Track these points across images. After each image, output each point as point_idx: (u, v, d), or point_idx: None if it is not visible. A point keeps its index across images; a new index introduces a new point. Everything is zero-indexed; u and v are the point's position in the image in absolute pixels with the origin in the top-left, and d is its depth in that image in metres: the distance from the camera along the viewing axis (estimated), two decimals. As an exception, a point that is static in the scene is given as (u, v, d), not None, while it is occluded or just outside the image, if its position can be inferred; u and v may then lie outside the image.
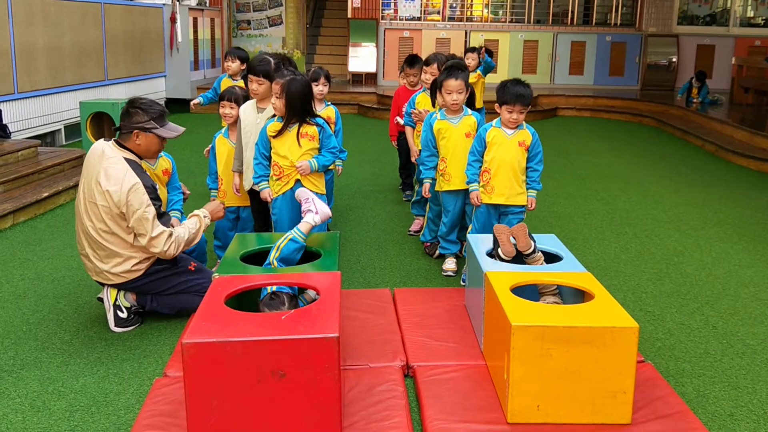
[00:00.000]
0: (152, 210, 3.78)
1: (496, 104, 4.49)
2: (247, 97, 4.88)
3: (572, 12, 15.37)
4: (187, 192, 4.68)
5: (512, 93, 4.38)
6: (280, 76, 4.32)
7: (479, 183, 4.56)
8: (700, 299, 4.57)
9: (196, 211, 4.13)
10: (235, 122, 4.83)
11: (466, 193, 4.77)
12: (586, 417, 2.99)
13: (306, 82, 4.38)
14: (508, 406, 3.01)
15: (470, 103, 5.15)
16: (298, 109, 4.33)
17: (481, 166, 4.57)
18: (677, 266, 5.18)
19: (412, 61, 6.33)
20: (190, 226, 3.98)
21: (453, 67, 4.82)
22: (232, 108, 4.82)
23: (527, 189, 4.57)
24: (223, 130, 4.94)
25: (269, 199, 4.48)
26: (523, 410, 3.00)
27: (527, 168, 4.55)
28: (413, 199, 5.92)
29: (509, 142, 4.48)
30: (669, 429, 2.98)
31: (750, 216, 6.56)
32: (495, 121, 4.55)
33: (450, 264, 4.93)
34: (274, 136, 4.37)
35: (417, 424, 3.10)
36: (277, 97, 4.32)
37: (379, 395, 3.20)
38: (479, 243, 4.05)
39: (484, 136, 4.52)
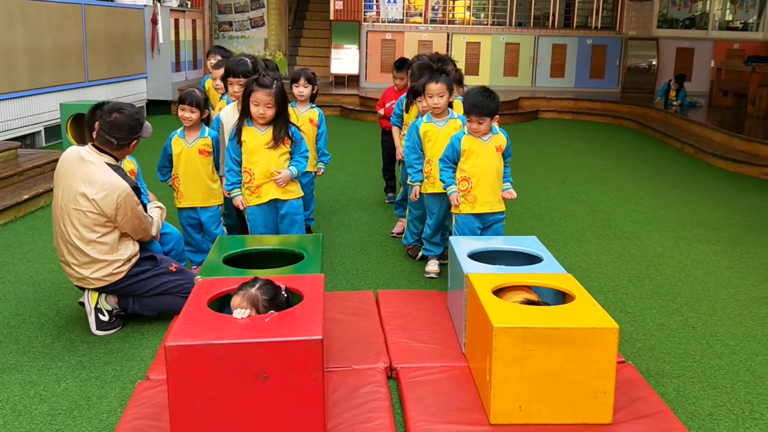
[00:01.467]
0: (141, 207, 3.88)
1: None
2: (206, 102, 4.81)
3: (553, 15, 15.46)
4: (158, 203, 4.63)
5: (468, 103, 4.40)
6: (264, 84, 4.27)
7: (456, 186, 4.53)
8: (680, 300, 4.62)
9: (158, 204, 4.34)
10: (193, 125, 4.74)
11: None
12: (568, 417, 3.02)
13: (283, 85, 4.38)
14: (490, 407, 3.03)
15: None
16: (287, 116, 4.35)
17: (454, 172, 4.55)
18: (657, 267, 5.24)
19: (400, 66, 6.40)
20: (157, 215, 4.19)
21: (435, 70, 4.84)
22: (192, 112, 4.70)
23: (503, 183, 4.60)
24: (179, 131, 4.84)
25: (242, 207, 4.48)
26: (506, 411, 3.02)
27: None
28: (396, 200, 5.94)
29: (487, 149, 4.48)
30: (649, 429, 3.01)
31: (728, 217, 6.64)
32: (466, 128, 4.53)
33: (433, 266, 4.94)
34: (271, 147, 4.35)
35: (400, 426, 3.11)
36: (268, 107, 4.29)
37: (362, 397, 3.21)
38: (461, 244, 4.07)
39: (458, 146, 4.49)
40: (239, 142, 4.39)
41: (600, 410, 3.02)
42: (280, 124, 4.36)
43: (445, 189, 4.59)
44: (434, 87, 4.68)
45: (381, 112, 6.47)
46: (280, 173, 4.38)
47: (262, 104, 4.28)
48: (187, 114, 4.68)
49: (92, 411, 3.22)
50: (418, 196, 4.89)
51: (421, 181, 4.86)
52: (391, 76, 6.52)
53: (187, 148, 4.74)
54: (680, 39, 15.29)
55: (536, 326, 2.96)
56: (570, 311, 3.14)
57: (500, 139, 4.52)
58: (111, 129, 3.84)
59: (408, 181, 5.04)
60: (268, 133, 4.37)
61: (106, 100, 4.17)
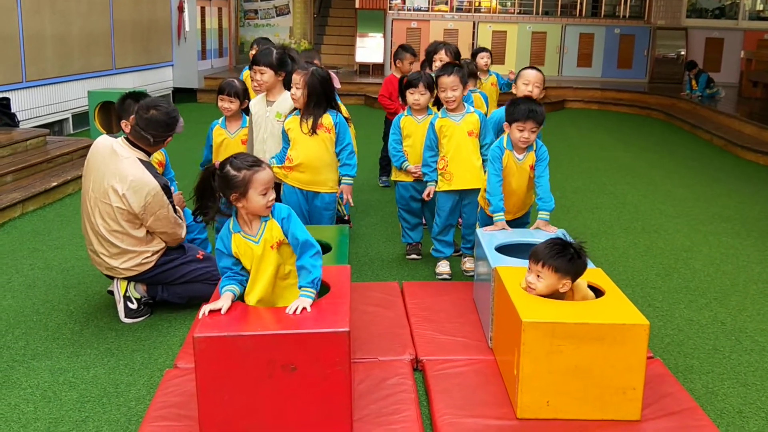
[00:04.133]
0: (171, 207, 3.88)
1: (506, 124, 4.21)
2: (245, 92, 4.85)
3: (581, 3, 15.31)
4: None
5: (524, 109, 4.08)
6: (300, 67, 4.31)
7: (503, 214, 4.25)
8: (709, 295, 4.57)
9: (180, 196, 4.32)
10: (234, 115, 4.80)
11: (463, 193, 4.65)
12: (596, 413, 2.99)
13: (326, 73, 4.38)
14: (517, 402, 3.01)
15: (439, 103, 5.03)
16: (317, 101, 4.34)
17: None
18: (686, 261, 5.18)
19: (408, 47, 6.48)
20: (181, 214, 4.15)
21: (447, 63, 4.78)
22: (231, 102, 4.78)
23: (538, 210, 4.23)
24: (220, 120, 4.90)
25: None
26: (533, 406, 3.00)
27: (535, 177, 4.29)
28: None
29: (520, 169, 4.23)
30: (678, 426, 2.98)
31: (758, 211, 6.55)
32: (506, 141, 4.23)
33: (444, 267, 4.77)
34: (309, 134, 4.36)
35: (426, 418, 3.11)
36: (297, 88, 4.30)
37: (388, 389, 3.21)
38: (488, 237, 4.04)
39: (501, 157, 4.20)
40: (286, 129, 4.43)
41: (628, 406, 2.99)
42: (310, 111, 4.34)
43: (493, 213, 4.21)
44: (446, 80, 4.53)
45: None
46: (342, 196, 4.52)
47: (294, 85, 4.31)
48: (227, 104, 4.77)
49: (121, 398, 3.25)
50: (431, 196, 4.71)
51: (436, 181, 4.69)
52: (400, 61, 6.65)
53: (230, 138, 4.80)
54: (710, 29, 15.08)
55: (565, 321, 2.93)
56: (600, 306, 3.10)
57: (533, 157, 4.22)
58: (148, 126, 3.83)
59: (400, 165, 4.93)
60: (309, 121, 4.37)
61: (137, 90, 4.19)
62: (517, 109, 4.11)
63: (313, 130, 4.34)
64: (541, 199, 4.25)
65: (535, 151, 4.24)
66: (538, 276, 3.19)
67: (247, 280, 3.06)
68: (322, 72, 4.34)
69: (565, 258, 3.15)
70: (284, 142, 4.48)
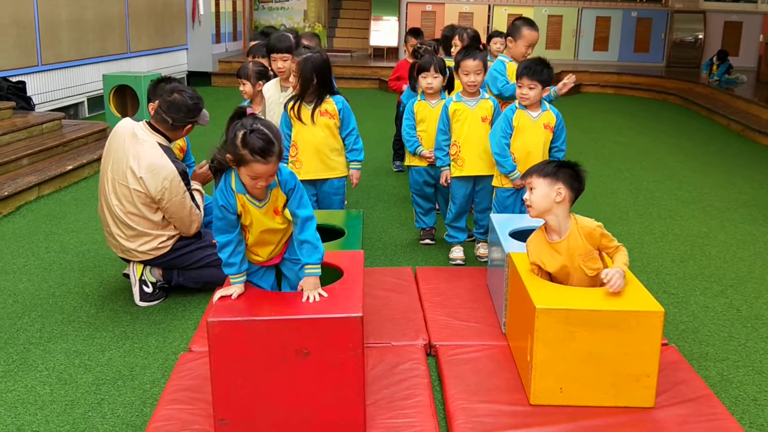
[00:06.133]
0: (188, 195, 3.87)
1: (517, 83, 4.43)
2: (260, 73, 4.84)
3: (597, -14, 15.15)
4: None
5: (521, 67, 4.35)
6: (297, 54, 4.26)
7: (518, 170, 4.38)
8: (725, 282, 4.53)
9: (198, 186, 4.19)
10: (253, 98, 4.82)
11: (476, 179, 4.65)
12: (609, 400, 2.99)
13: (323, 58, 4.27)
14: (531, 388, 3.01)
15: (449, 86, 5.00)
16: (311, 87, 4.26)
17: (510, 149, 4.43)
18: (701, 248, 5.14)
19: (417, 32, 6.48)
20: (199, 203, 4.08)
21: (471, 46, 4.75)
22: (244, 84, 4.82)
23: None
24: (245, 104, 4.93)
25: None
26: (546, 392, 3.00)
27: (551, 149, 4.45)
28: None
29: (534, 126, 4.36)
30: (692, 413, 2.97)
31: (776, 197, 6.49)
32: (518, 101, 4.42)
33: (458, 252, 4.78)
34: (294, 116, 4.34)
35: (439, 403, 3.11)
36: (294, 76, 4.26)
37: (401, 374, 3.22)
38: (502, 223, 4.03)
39: (511, 118, 4.37)
40: (290, 116, 4.39)
41: (642, 393, 2.98)
42: (308, 99, 4.29)
43: (507, 174, 4.39)
44: (471, 64, 4.50)
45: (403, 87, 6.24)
46: (355, 179, 4.55)
47: (291, 72, 4.30)
48: (241, 87, 4.82)
49: (136, 381, 3.27)
50: (449, 181, 4.69)
51: (449, 165, 4.66)
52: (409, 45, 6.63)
53: None
54: (728, 12, 14.88)
55: (579, 308, 2.92)
56: (614, 293, 3.08)
57: (549, 116, 4.39)
58: (169, 108, 3.84)
59: (411, 150, 4.88)
60: (311, 106, 4.32)
61: (169, 76, 4.19)
62: (519, 68, 4.40)
63: (312, 118, 4.30)
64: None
65: (555, 119, 4.42)
66: (531, 189, 3.24)
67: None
68: (316, 58, 4.22)
69: (551, 165, 3.26)
70: (286, 128, 4.39)
